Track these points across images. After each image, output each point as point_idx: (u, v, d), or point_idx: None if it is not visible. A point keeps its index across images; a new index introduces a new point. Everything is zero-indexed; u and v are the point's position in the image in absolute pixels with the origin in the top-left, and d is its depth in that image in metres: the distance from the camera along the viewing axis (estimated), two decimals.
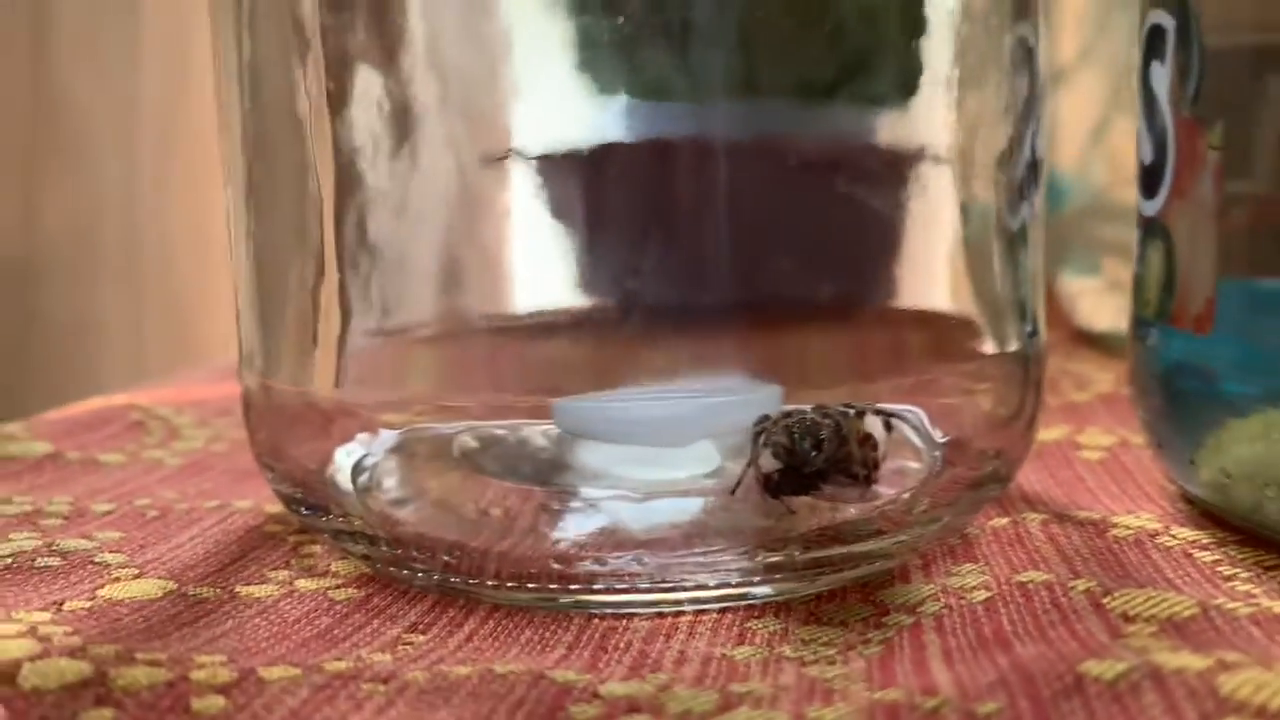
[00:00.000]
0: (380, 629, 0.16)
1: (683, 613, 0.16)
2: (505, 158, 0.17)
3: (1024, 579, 0.16)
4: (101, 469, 0.23)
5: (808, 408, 0.17)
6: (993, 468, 0.18)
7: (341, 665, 0.14)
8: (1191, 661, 0.12)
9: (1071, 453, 0.23)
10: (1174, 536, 0.18)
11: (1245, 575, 0.16)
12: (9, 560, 0.18)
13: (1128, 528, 0.18)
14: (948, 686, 0.13)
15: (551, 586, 0.16)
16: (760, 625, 0.15)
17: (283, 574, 0.18)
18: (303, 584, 0.17)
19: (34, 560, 0.18)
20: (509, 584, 0.16)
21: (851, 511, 0.17)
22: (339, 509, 0.18)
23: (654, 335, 0.18)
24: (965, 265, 0.18)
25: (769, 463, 0.17)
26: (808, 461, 0.16)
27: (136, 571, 0.18)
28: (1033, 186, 0.18)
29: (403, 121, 0.18)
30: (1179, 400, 0.19)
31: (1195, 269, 0.18)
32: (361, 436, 0.18)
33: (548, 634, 0.15)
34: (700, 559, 0.16)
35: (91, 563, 0.18)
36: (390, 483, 0.18)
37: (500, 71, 0.17)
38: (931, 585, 0.16)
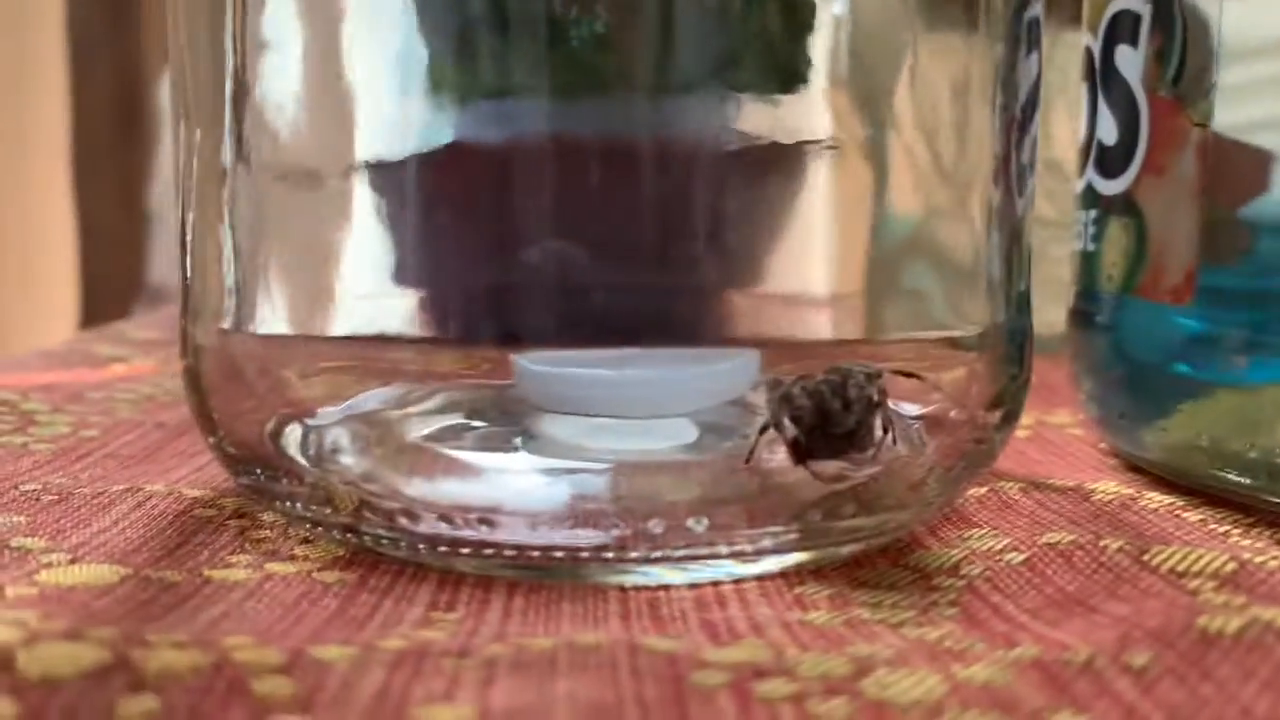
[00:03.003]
0: (398, 610, 0.14)
1: (720, 582, 0.15)
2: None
3: (1051, 540, 0.16)
4: None
5: (819, 373, 0.16)
6: (989, 437, 0.18)
7: (397, 643, 0.12)
8: None
9: None
10: (1151, 499, 0.18)
11: (1238, 532, 0.17)
12: None
13: (1106, 493, 0.19)
14: (1077, 642, 0.12)
15: (569, 557, 0.15)
16: (809, 591, 0.15)
17: (244, 558, 0.16)
18: (275, 567, 0.15)
19: None
20: (531, 554, 0.15)
21: (861, 477, 0.17)
22: (302, 477, 0.16)
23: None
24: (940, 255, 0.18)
25: (788, 428, 0.16)
26: (840, 422, 0.16)
27: (70, 557, 0.15)
28: (1025, 181, 0.18)
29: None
30: (1144, 371, 0.19)
31: (1173, 242, 0.18)
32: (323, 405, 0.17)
33: (587, 607, 0.14)
34: (736, 530, 0.15)
35: (8, 547, 0.15)
36: (350, 455, 0.17)
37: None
38: (953, 550, 0.16)
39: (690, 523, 0.15)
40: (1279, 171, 0.17)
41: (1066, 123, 0.33)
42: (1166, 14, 0.18)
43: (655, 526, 0.15)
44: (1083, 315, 0.21)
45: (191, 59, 0.17)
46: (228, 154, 0.17)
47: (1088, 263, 0.20)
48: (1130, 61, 0.19)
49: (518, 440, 0.17)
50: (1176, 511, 0.18)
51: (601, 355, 0.17)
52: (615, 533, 0.15)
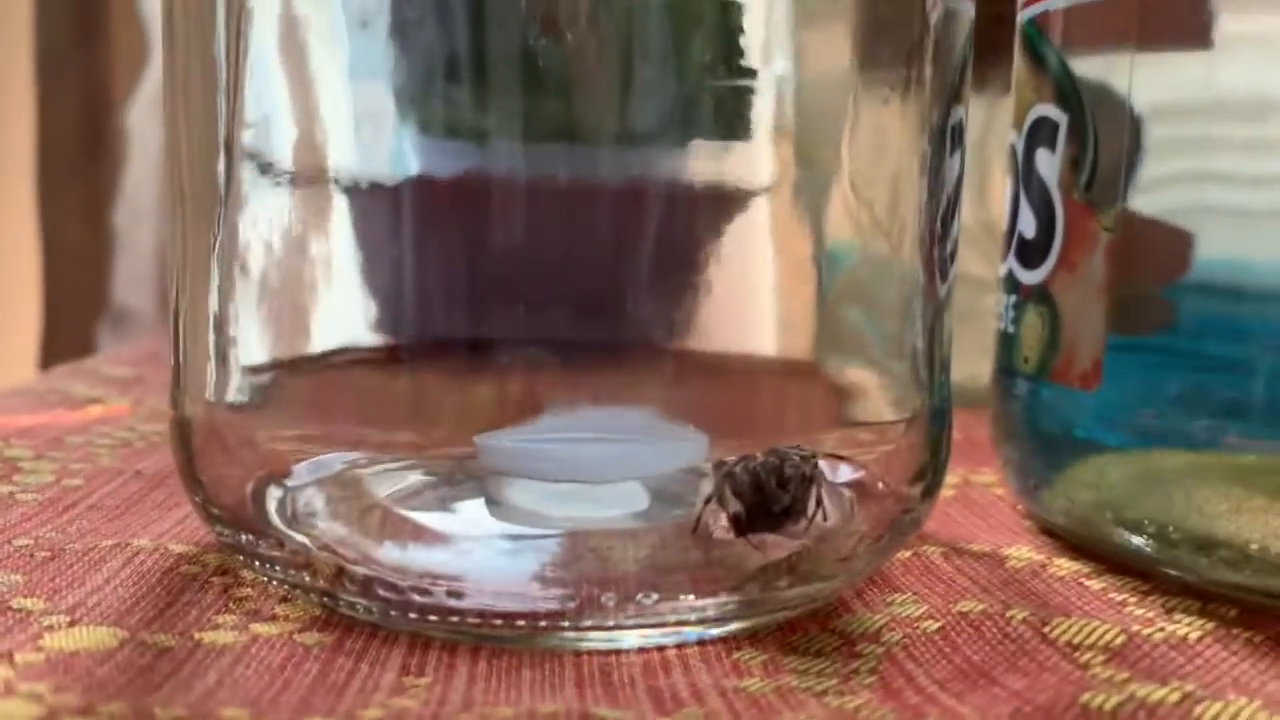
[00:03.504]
0: (374, 675, 0.15)
1: (664, 647, 0.17)
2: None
3: (963, 609, 0.18)
4: None
5: (759, 454, 0.18)
6: (914, 509, 0.19)
7: (376, 713, 0.14)
8: (1164, 693, 0.14)
9: None
10: (1060, 566, 0.20)
11: (1134, 600, 0.19)
12: None
13: (1019, 559, 0.20)
14: (975, 717, 0.14)
15: (529, 625, 0.16)
16: (745, 657, 0.16)
17: (229, 618, 0.17)
18: (259, 629, 0.17)
19: None
20: (494, 621, 0.16)
21: (794, 546, 0.18)
22: (283, 542, 0.17)
23: (546, 372, 0.18)
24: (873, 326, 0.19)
25: (731, 503, 0.18)
26: (777, 500, 0.17)
27: (69, 619, 0.16)
28: (946, 271, 0.20)
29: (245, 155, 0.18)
30: (1055, 445, 0.21)
31: (1082, 334, 0.20)
32: (295, 468, 0.18)
33: (545, 673, 0.16)
34: (682, 599, 0.17)
35: (9, 608, 0.17)
36: (324, 519, 0.18)
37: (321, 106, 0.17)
38: (877, 615, 0.18)
39: (640, 597, 0.16)
40: (1204, 232, 0.19)
41: (1004, 187, 0.34)
42: (1080, 125, 0.20)
43: (608, 600, 0.16)
44: (1002, 389, 0.23)
45: (188, 151, 0.18)
46: (213, 242, 0.18)
47: (1007, 343, 0.22)
48: (1048, 164, 0.21)
49: (480, 505, 0.18)
50: (1081, 579, 0.20)
51: (557, 423, 0.18)
52: (571, 603, 0.16)
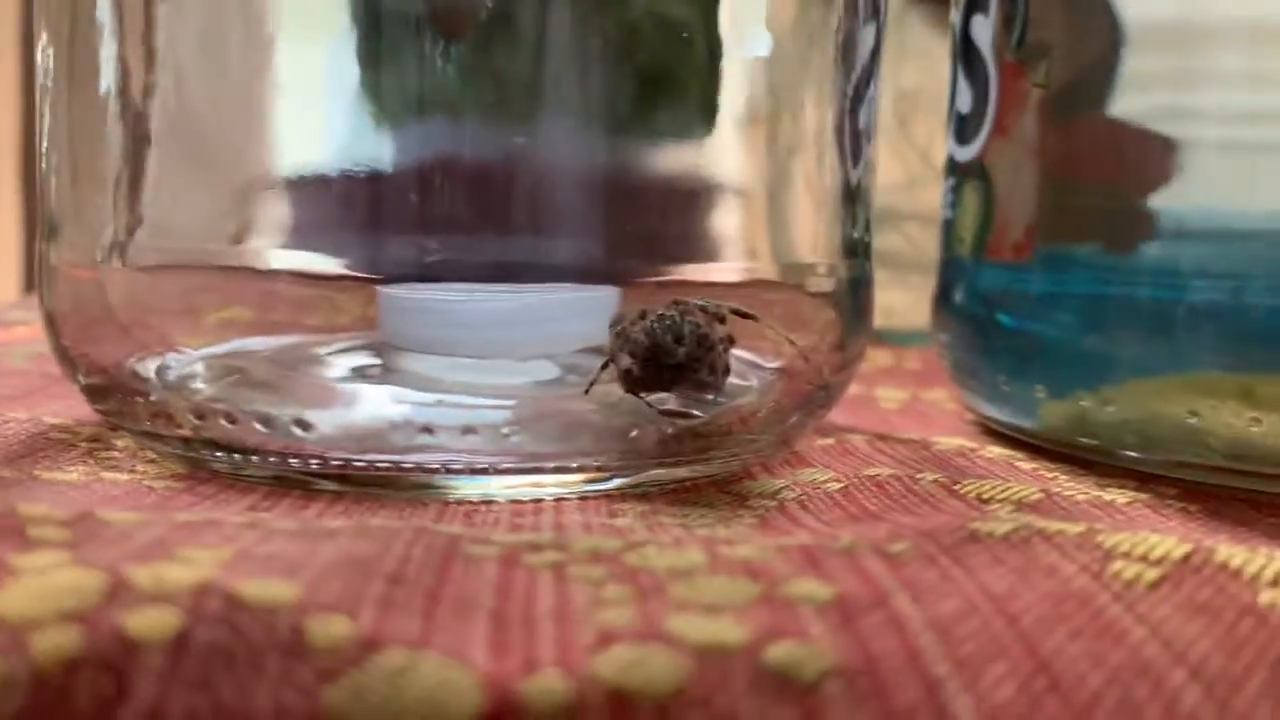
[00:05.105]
0: (216, 510, 0.14)
1: (541, 500, 0.15)
2: None
3: (871, 473, 0.17)
4: None
5: (660, 307, 0.17)
6: (827, 384, 0.18)
7: (191, 516, 0.13)
8: (1067, 526, 0.13)
9: (871, 403, 0.24)
10: (991, 451, 0.19)
11: (1065, 478, 0.17)
12: None
13: (947, 444, 0.19)
14: (848, 536, 0.13)
15: (403, 466, 0.15)
16: (628, 507, 0.15)
17: (82, 468, 0.16)
18: (109, 475, 0.16)
19: None
20: (357, 465, 0.15)
21: (701, 418, 0.17)
22: (145, 394, 0.16)
23: None
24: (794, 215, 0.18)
25: (622, 359, 0.16)
26: (670, 355, 0.16)
27: None
28: (860, 145, 0.19)
29: None
30: (994, 331, 0.20)
31: (1015, 200, 0.19)
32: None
33: (406, 515, 0.14)
34: (558, 450, 0.16)
35: None
36: (200, 380, 0.17)
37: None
38: (781, 480, 0.17)
39: (512, 438, 0.15)
40: (1187, 160, 0.18)
41: None
42: None
43: (480, 441, 0.15)
44: (943, 285, 0.21)
45: None
46: (107, 93, 0.17)
47: (948, 231, 0.21)
48: (983, 29, 0.20)
49: (373, 371, 0.17)
50: (1014, 462, 0.18)
51: (462, 292, 0.17)
52: (435, 444, 0.15)
